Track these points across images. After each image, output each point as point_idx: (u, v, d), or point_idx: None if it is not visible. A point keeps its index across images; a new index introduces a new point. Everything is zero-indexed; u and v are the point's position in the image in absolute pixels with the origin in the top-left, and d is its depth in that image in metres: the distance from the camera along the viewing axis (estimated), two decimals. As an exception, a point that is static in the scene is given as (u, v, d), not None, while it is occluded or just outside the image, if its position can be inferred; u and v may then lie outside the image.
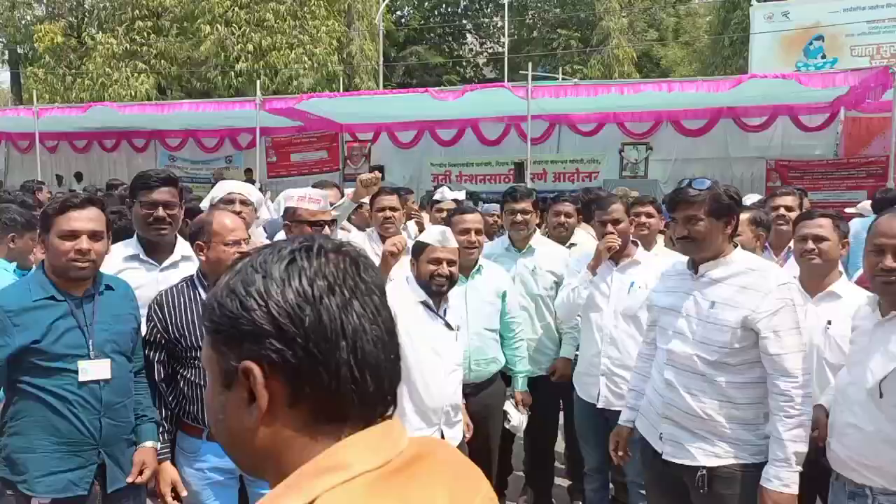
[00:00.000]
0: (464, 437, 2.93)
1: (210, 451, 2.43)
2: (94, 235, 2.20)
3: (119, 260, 2.71)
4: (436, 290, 2.78)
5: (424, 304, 2.80)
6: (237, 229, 2.48)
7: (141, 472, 2.35)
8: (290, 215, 2.96)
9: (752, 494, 2.26)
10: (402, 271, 3.36)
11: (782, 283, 2.25)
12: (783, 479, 2.16)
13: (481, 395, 3.23)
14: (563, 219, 4.03)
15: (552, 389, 3.57)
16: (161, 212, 2.73)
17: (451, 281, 2.81)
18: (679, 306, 2.41)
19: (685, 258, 2.54)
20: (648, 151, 12.20)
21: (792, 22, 12.93)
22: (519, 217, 3.60)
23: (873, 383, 2.00)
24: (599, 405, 3.18)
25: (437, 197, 4.33)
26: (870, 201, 5.78)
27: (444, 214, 4.02)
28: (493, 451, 3.36)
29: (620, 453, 2.72)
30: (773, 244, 3.55)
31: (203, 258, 2.51)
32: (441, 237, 2.82)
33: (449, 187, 7.00)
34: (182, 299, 2.47)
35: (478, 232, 3.24)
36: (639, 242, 3.33)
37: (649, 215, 3.72)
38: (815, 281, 2.69)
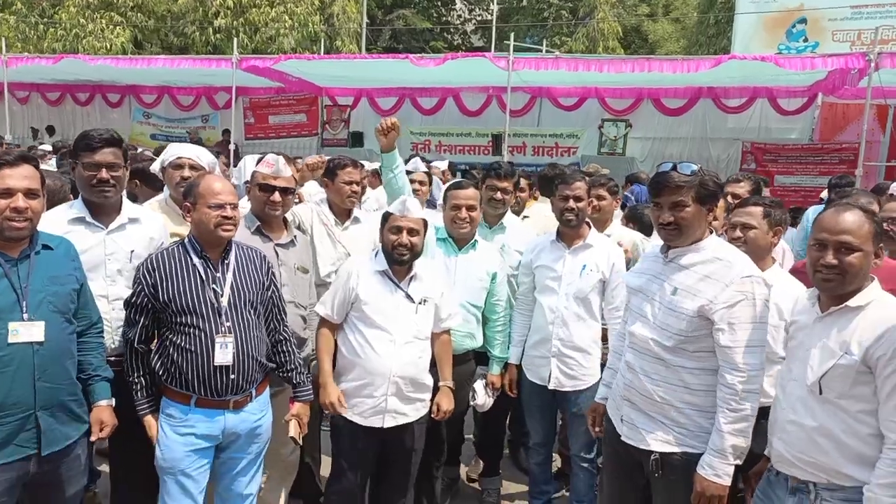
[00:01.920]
0: (426, 417, 2.96)
1: (199, 416, 2.46)
2: (29, 193, 2.15)
3: (64, 222, 2.63)
4: (397, 259, 2.82)
5: (384, 273, 2.85)
6: (223, 193, 2.48)
7: (102, 430, 2.39)
8: (251, 179, 3.02)
9: None
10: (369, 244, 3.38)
11: (746, 276, 2.19)
12: (716, 468, 2.16)
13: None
14: (498, 195, 3.91)
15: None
16: (104, 173, 2.64)
17: (413, 251, 2.83)
18: (647, 289, 2.41)
19: (642, 236, 2.54)
20: (628, 129, 12.22)
21: (776, 3, 12.88)
22: (499, 195, 3.54)
23: (813, 380, 2.00)
24: (551, 387, 3.21)
25: (409, 167, 4.31)
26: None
27: (416, 185, 4.00)
28: (446, 428, 3.39)
29: (598, 429, 2.72)
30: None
31: (189, 219, 2.54)
32: (402, 206, 2.85)
33: (423, 158, 6.96)
34: (174, 263, 2.47)
35: (470, 208, 3.21)
36: (591, 224, 3.35)
37: (600, 197, 3.70)
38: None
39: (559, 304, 3.19)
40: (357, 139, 13.44)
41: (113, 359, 2.59)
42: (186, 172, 3.11)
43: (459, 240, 3.29)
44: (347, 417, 2.82)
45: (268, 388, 2.67)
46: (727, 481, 2.16)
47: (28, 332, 2.13)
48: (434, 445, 3.42)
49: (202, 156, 3.26)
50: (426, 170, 5.48)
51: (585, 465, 3.20)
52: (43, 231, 2.33)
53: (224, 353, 2.44)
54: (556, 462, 3.84)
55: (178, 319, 2.43)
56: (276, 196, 2.91)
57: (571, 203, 3.17)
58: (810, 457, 2.00)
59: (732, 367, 2.15)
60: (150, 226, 2.83)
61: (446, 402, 2.99)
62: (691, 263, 2.28)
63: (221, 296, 2.47)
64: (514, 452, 4.14)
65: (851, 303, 1.99)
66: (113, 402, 2.46)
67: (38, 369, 2.15)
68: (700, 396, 2.25)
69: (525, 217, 4.10)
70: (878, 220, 2.03)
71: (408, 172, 4.25)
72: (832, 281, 1.99)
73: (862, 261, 1.97)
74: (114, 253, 2.66)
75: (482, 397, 3.36)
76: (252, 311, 2.54)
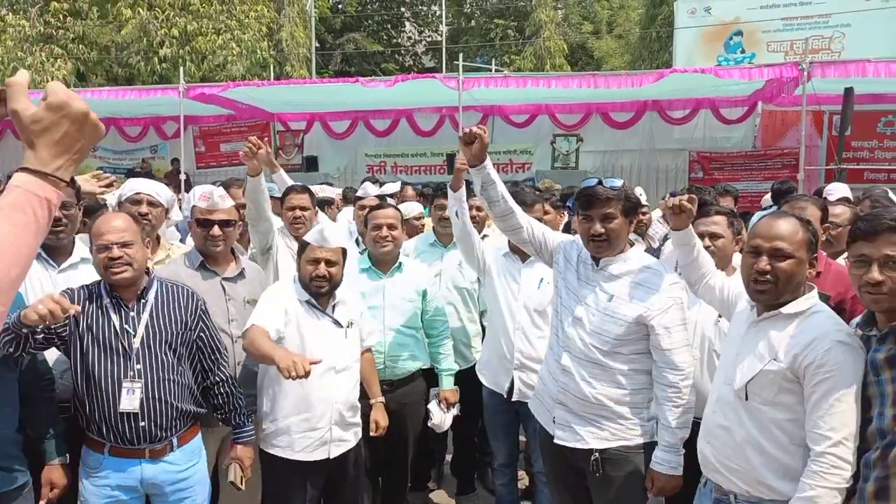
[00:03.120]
0: (363, 437, 2.91)
1: (111, 467, 2.34)
2: None
3: None
4: (315, 292, 2.73)
5: (308, 302, 2.75)
6: (109, 233, 2.34)
7: (52, 491, 2.31)
8: (191, 213, 2.94)
9: (638, 474, 2.42)
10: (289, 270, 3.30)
11: (673, 283, 2.43)
12: (671, 462, 2.35)
13: (398, 393, 3.25)
14: (474, 212, 4.07)
15: (476, 381, 3.61)
16: (56, 212, 2.59)
17: (331, 282, 2.74)
18: (579, 292, 2.51)
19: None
20: (579, 143, 12.45)
21: (713, 17, 13.41)
22: (447, 213, 3.64)
23: (741, 384, 2.02)
24: (515, 398, 3.23)
25: (359, 193, 4.32)
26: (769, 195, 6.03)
27: (367, 211, 4.00)
28: (410, 449, 3.37)
29: None
30: None
31: (93, 262, 2.43)
32: (320, 236, 2.75)
33: (374, 180, 6.98)
34: (89, 303, 2.35)
35: (391, 227, 3.22)
36: None
37: (545, 212, 3.82)
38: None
39: (519, 316, 3.21)
40: (312, 164, 13.33)
41: (63, 405, 2.50)
42: (144, 208, 3.03)
43: (383, 262, 3.28)
44: (289, 458, 2.67)
45: (197, 438, 2.53)
46: (681, 472, 2.36)
47: None
48: (399, 469, 3.39)
49: (161, 192, 3.18)
50: (379, 192, 5.45)
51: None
52: None
53: (130, 399, 2.30)
54: (524, 480, 3.84)
55: (86, 360, 2.31)
56: (216, 230, 2.83)
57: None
58: (735, 464, 2.02)
59: (671, 366, 2.35)
60: None
61: (381, 418, 2.98)
62: (622, 272, 2.45)
63: (134, 336, 2.34)
64: (482, 474, 4.13)
65: (785, 310, 2.00)
66: (66, 459, 2.38)
67: None
68: (633, 395, 2.44)
69: (485, 236, 4.13)
70: (812, 230, 2.06)
71: (358, 198, 4.27)
72: (765, 292, 2.00)
73: (795, 268, 1.98)
74: None
75: (438, 416, 3.36)
76: (170, 353, 2.41)
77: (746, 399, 2.01)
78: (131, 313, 2.39)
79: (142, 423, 2.33)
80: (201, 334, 2.55)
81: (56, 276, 2.64)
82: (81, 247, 2.78)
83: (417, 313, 3.33)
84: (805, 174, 9.00)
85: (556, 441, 2.53)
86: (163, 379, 2.38)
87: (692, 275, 2.46)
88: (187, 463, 2.46)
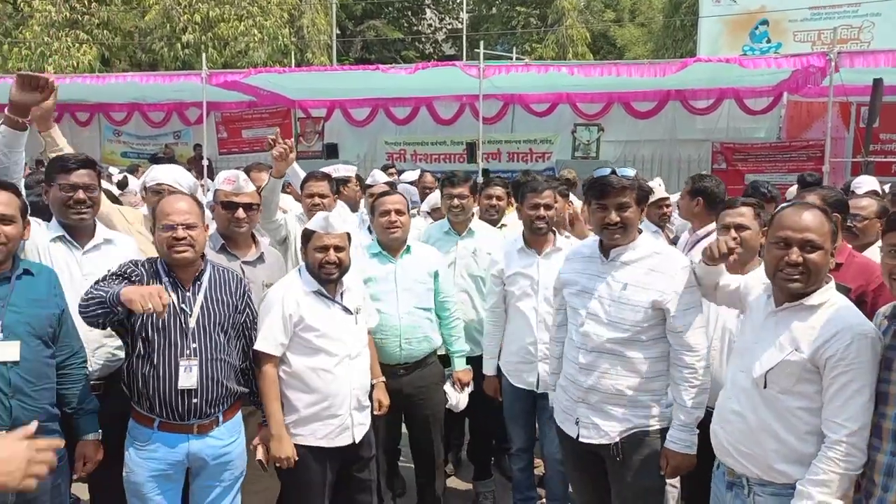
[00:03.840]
0: (373, 415, 2.97)
1: (160, 441, 2.42)
2: (2, 219, 2.20)
3: (45, 241, 2.66)
4: (325, 279, 2.75)
5: (317, 292, 2.76)
6: (173, 213, 2.43)
7: (85, 465, 2.41)
8: (214, 197, 3.00)
9: (655, 457, 2.46)
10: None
11: (685, 266, 2.46)
12: (686, 441, 2.39)
13: (415, 376, 3.28)
14: (494, 201, 4.09)
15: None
16: (81, 194, 2.66)
17: (341, 267, 2.76)
18: (591, 288, 2.53)
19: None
20: (600, 133, 12.36)
21: (739, 6, 13.19)
22: (456, 202, 3.72)
23: (760, 373, 2.03)
24: (540, 390, 3.25)
25: (368, 181, 4.33)
26: (796, 186, 5.95)
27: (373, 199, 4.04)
28: (439, 428, 3.42)
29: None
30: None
31: (155, 241, 2.53)
32: (324, 223, 2.75)
33: (389, 165, 6.97)
34: (148, 279, 2.43)
35: (398, 212, 3.25)
36: (556, 230, 3.41)
37: (554, 199, 3.79)
38: (735, 268, 2.75)
39: (540, 308, 3.23)
40: (332, 151, 13.39)
41: (94, 383, 2.59)
42: None
43: (393, 248, 3.30)
44: (310, 445, 2.72)
45: (239, 413, 2.61)
46: (695, 451, 2.40)
47: (3, 351, 2.14)
48: (430, 452, 3.43)
49: (182, 181, 3.24)
50: (388, 179, 5.45)
51: (561, 468, 3.22)
52: (25, 259, 2.38)
53: (188, 377, 2.39)
54: (542, 467, 3.86)
55: (144, 336, 2.40)
56: (240, 213, 2.91)
57: (542, 211, 3.24)
58: (748, 448, 2.06)
59: (687, 348, 2.39)
60: (125, 248, 2.83)
61: (384, 397, 3.06)
62: (632, 260, 2.46)
63: (190, 316, 2.43)
64: (499, 460, 4.17)
65: (807, 301, 2.02)
66: (100, 435, 2.46)
67: (13, 389, 2.16)
68: (652, 382, 2.47)
69: (503, 226, 4.14)
70: (834, 220, 2.08)
71: (368, 186, 4.29)
72: (797, 280, 2.00)
73: (824, 259, 2.00)
74: (91, 273, 2.64)
75: (454, 396, 3.40)
76: (222, 334, 2.50)
77: (765, 387, 2.03)
78: (187, 294, 2.48)
79: (194, 400, 2.41)
80: (247, 319, 2.64)
81: (81, 258, 2.70)
82: (102, 228, 2.86)
83: (430, 295, 3.36)
84: (830, 166, 8.86)
85: (581, 440, 2.55)
86: (216, 358, 2.47)
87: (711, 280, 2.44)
88: (230, 438, 2.54)
